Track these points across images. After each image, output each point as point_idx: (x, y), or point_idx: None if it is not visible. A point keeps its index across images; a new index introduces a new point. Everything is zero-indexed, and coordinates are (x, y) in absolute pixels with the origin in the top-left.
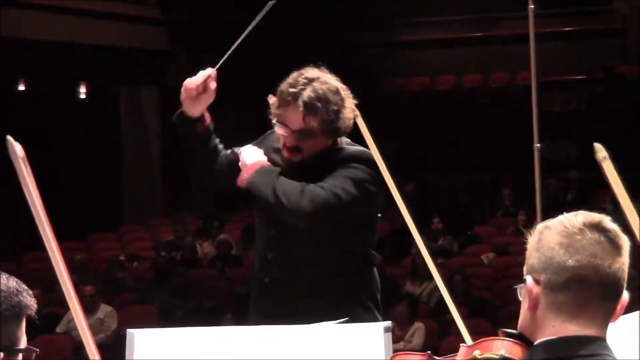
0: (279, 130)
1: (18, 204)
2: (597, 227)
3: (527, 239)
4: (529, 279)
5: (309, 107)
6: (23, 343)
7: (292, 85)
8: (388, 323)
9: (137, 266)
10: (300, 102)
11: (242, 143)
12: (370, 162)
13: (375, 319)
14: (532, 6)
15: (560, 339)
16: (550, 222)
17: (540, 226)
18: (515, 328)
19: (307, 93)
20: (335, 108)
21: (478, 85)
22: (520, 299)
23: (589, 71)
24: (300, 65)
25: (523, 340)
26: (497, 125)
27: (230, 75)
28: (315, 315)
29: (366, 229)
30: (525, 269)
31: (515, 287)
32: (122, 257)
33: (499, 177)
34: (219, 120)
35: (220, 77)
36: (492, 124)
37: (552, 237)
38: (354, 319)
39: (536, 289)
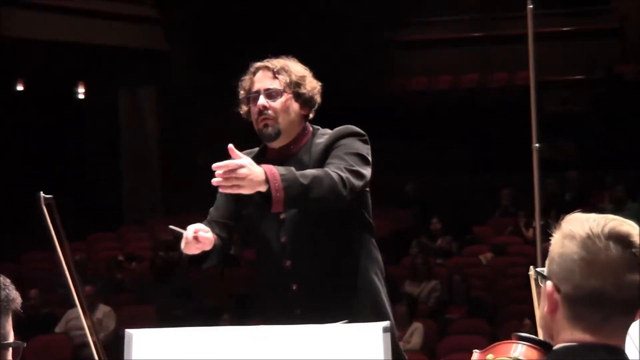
0: (251, 103)
1: (19, 204)
2: (624, 242)
3: (525, 236)
4: (549, 283)
5: (277, 68)
6: (11, 337)
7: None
8: (387, 323)
9: (136, 266)
10: (268, 64)
11: (236, 141)
12: (359, 133)
13: (383, 291)
14: (531, 6)
15: (581, 345)
16: (576, 229)
17: (566, 228)
18: (513, 327)
19: (274, 60)
20: (300, 74)
21: (477, 86)
22: (540, 284)
23: (588, 71)
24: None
25: (539, 344)
26: (495, 125)
27: (227, 73)
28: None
29: (365, 197)
30: (547, 268)
31: (534, 270)
32: (121, 257)
33: (498, 177)
34: (215, 117)
35: (217, 75)
36: (490, 124)
37: (575, 249)
38: (369, 287)
39: (556, 296)
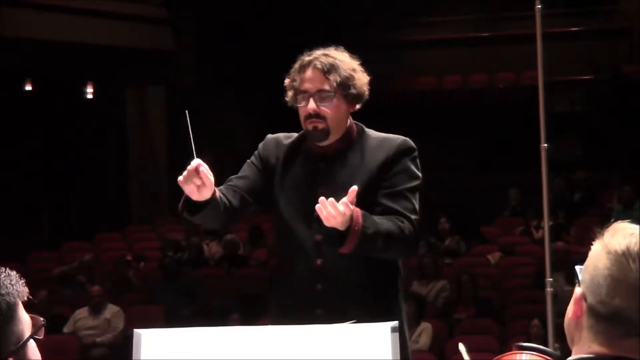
0: (300, 103)
1: (22, 203)
2: None
3: (535, 237)
4: (579, 290)
5: (326, 66)
6: (27, 325)
7: (309, 56)
8: (395, 323)
9: (144, 266)
10: (317, 63)
11: (244, 141)
12: (413, 150)
13: (400, 307)
14: (539, 6)
15: (597, 357)
16: (614, 242)
17: (607, 238)
18: (522, 328)
19: (323, 56)
20: (350, 69)
21: (484, 86)
22: (578, 281)
23: (594, 71)
24: None
25: (543, 352)
26: (503, 125)
27: (234, 73)
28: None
29: None
30: (582, 274)
31: (576, 268)
32: (129, 257)
33: (506, 177)
34: (222, 117)
35: (224, 75)
36: (498, 124)
37: (608, 264)
38: (393, 303)
39: (582, 303)
